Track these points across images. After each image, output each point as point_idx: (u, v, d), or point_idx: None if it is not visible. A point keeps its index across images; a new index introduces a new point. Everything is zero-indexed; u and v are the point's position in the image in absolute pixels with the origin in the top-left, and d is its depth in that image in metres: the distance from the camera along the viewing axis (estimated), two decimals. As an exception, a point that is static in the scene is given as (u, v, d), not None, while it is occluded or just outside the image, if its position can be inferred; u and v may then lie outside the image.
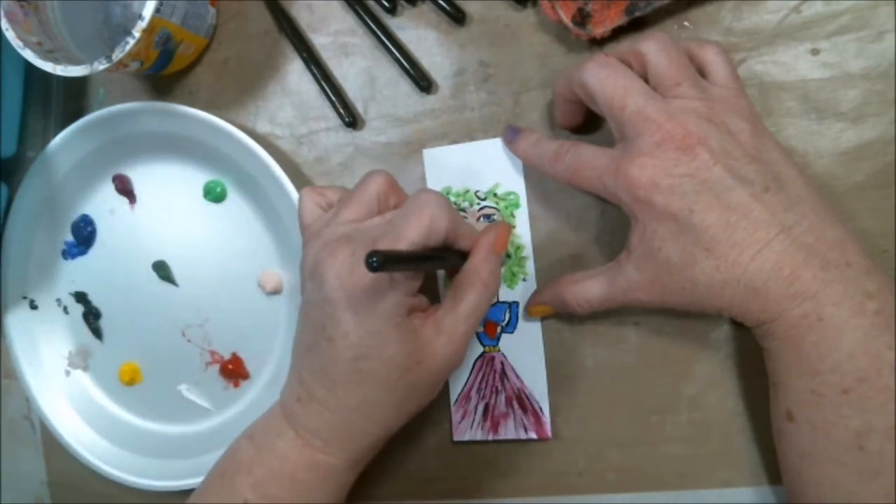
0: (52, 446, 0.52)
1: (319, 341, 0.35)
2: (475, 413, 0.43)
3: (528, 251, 0.42)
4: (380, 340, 0.33)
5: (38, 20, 0.44)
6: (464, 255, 0.37)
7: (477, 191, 0.42)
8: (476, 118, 0.43)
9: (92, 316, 0.51)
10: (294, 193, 0.43)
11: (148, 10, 0.40)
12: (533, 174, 0.42)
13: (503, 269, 0.42)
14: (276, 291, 0.47)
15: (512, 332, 0.42)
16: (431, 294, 0.38)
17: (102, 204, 0.50)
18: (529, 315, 0.41)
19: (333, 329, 0.34)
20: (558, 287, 0.38)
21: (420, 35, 0.44)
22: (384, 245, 0.33)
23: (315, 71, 0.45)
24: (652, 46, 0.34)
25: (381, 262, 0.28)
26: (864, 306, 0.30)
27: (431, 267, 0.35)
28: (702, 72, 0.35)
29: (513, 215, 0.42)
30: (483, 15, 0.42)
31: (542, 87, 0.41)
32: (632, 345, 0.40)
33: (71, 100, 0.51)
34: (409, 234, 0.33)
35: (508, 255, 0.42)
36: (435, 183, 0.43)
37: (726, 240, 0.31)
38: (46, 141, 0.49)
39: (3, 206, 0.50)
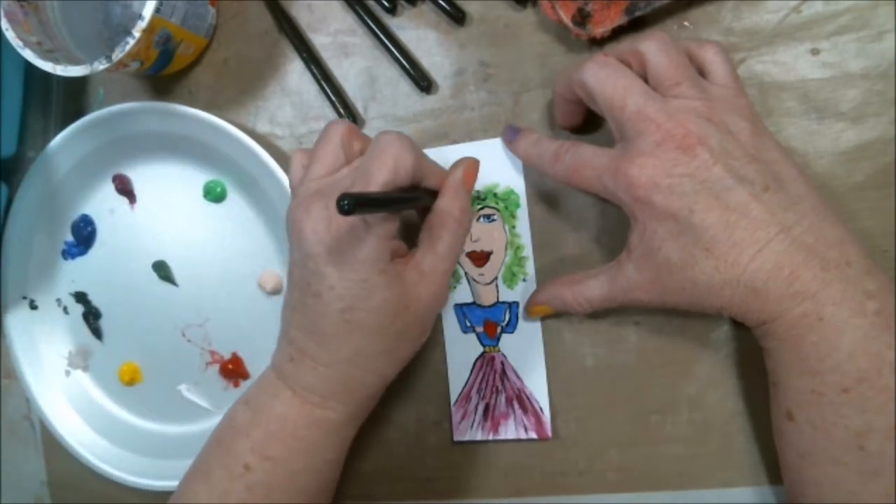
0: (52, 446, 0.52)
1: (306, 299, 0.35)
2: (475, 413, 0.43)
3: (528, 251, 0.42)
4: (366, 289, 0.33)
5: (38, 20, 0.44)
6: (434, 194, 0.37)
7: (477, 191, 0.42)
8: (476, 118, 0.43)
9: (92, 316, 0.51)
10: (294, 193, 0.43)
11: (148, 10, 0.40)
12: (533, 174, 0.42)
13: (503, 269, 0.42)
14: (276, 291, 0.47)
15: (512, 332, 0.42)
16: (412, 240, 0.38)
17: (102, 204, 0.50)
18: (529, 315, 0.41)
19: (319, 284, 0.34)
20: (558, 287, 0.38)
21: (420, 35, 0.44)
22: (355, 191, 0.33)
23: (315, 71, 0.45)
24: (652, 46, 0.34)
25: (352, 204, 0.29)
26: (863, 306, 0.30)
27: (403, 207, 0.35)
28: (702, 71, 0.35)
29: (513, 215, 0.42)
30: (483, 15, 0.42)
31: (542, 87, 0.41)
32: (632, 345, 0.40)
33: (71, 100, 0.51)
34: (377, 176, 0.33)
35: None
36: (435, 183, 0.43)
37: (726, 239, 0.31)
38: (46, 141, 0.49)
39: (3, 206, 0.50)
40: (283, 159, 0.45)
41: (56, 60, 0.42)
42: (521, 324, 0.42)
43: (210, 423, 0.49)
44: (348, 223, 0.33)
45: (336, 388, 0.36)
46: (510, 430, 0.42)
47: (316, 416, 0.36)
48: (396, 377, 0.40)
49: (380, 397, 0.38)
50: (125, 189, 0.50)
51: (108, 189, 0.50)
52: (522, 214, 0.42)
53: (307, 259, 0.34)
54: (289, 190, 0.43)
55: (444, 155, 0.43)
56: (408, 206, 0.35)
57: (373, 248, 0.33)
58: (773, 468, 0.38)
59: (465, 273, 0.43)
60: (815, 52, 0.38)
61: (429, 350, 0.44)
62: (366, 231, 0.33)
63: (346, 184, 0.34)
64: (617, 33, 0.39)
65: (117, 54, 0.40)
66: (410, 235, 0.38)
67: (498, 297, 0.42)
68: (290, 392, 0.36)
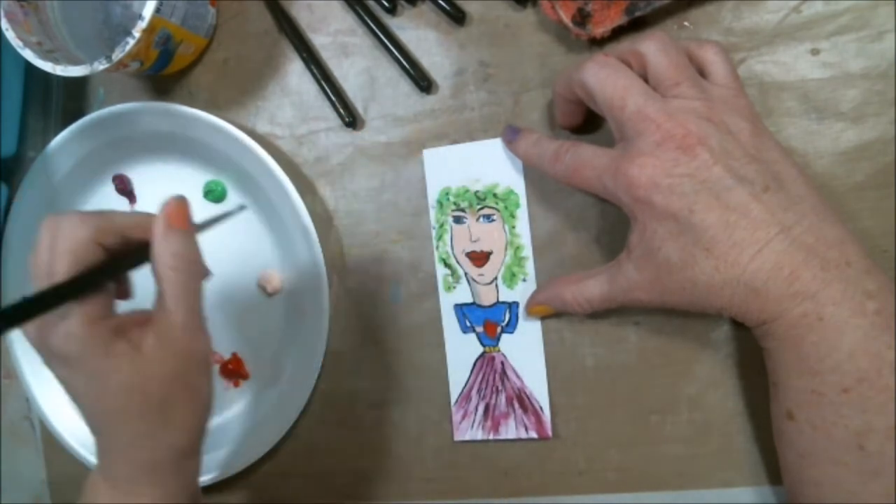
0: (52, 446, 0.52)
1: (74, 404, 0.35)
2: (475, 413, 0.43)
3: (528, 251, 0.42)
4: (99, 379, 0.32)
5: (38, 20, 0.44)
6: (146, 246, 0.34)
7: (477, 191, 0.42)
8: (476, 118, 0.43)
9: (92, 316, 0.51)
10: (294, 193, 0.43)
11: (148, 10, 0.40)
12: (533, 174, 0.42)
13: (503, 269, 0.42)
14: (276, 291, 0.47)
15: (512, 332, 0.42)
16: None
17: (102, 204, 0.50)
18: (529, 315, 0.41)
19: (69, 391, 0.34)
20: (558, 287, 0.38)
21: (420, 35, 0.44)
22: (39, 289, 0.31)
23: (315, 71, 0.45)
24: (651, 46, 0.34)
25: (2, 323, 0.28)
26: (863, 306, 0.30)
27: (100, 284, 0.32)
28: (702, 71, 0.35)
29: (513, 215, 0.42)
30: (483, 15, 0.42)
31: (542, 87, 0.41)
32: (632, 345, 0.40)
33: (71, 100, 0.51)
34: (58, 269, 0.31)
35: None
36: (435, 183, 0.43)
37: (726, 239, 0.31)
38: (46, 141, 0.49)
39: (3, 206, 0.50)
40: (283, 159, 0.45)
41: (56, 60, 0.42)
42: (521, 324, 0.42)
43: (210, 424, 0.49)
44: (36, 332, 0.32)
45: (135, 473, 0.34)
46: (510, 430, 0.42)
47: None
48: (396, 378, 0.39)
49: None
50: (125, 189, 0.50)
51: (108, 189, 0.50)
52: (522, 214, 0.42)
53: (49, 368, 0.34)
54: (289, 190, 0.44)
55: (444, 155, 0.43)
56: (108, 277, 0.33)
57: (82, 338, 0.31)
58: (773, 468, 0.38)
59: (465, 273, 0.43)
60: (815, 52, 0.38)
61: (429, 350, 0.44)
62: (63, 324, 0.31)
63: (38, 285, 0.32)
64: (617, 33, 0.39)
65: (117, 54, 0.40)
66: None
67: (498, 297, 0.42)
68: (106, 484, 0.35)
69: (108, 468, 0.35)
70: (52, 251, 0.32)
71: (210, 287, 0.48)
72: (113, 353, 0.32)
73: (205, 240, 0.48)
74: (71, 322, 0.31)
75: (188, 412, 0.35)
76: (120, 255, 0.33)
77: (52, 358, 0.33)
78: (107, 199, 0.50)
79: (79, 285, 0.32)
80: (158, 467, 0.35)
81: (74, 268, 0.31)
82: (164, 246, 0.33)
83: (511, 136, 0.40)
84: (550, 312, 0.40)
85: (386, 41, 0.44)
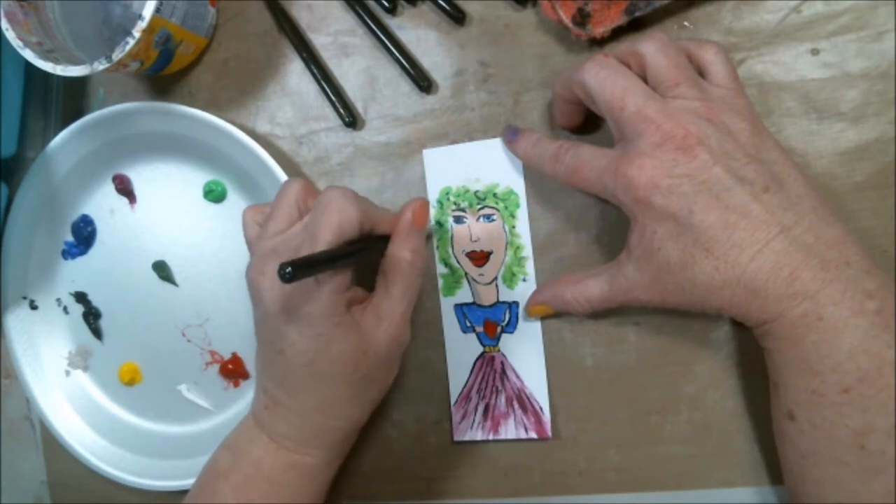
0: (52, 446, 0.52)
1: (272, 355, 0.36)
2: (475, 413, 0.43)
3: (528, 251, 0.42)
4: (324, 343, 0.35)
5: (38, 20, 0.44)
6: (386, 239, 0.38)
7: (477, 191, 0.43)
8: (476, 118, 0.43)
9: (92, 316, 0.51)
10: (294, 193, 0.43)
11: (148, 10, 0.40)
12: (533, 174, 0.42)
13: (503, 270, 0.42)
14: (276, 291, 0.47)
15: (512, 332, 0.42)
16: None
17: (102, 204, 0.50)
18: (529, 315, 0.41)
19: (281, 342, 0.35)
20: (558, 287, 0.38)
21: (420, 35, 0.44)
22: (304, 252, 0.34)
23: (315, 71, 0.45)
24: (651, 47, 0.34)
25: (292, 272, 0.29)
26: (863, 305, 0.30)
27: (351, 260, 0.35)
28: (701, 72, 0.35)
29: (513, 215, 0.42)
30: (483, 15, 0.42)
31: (542, 87, 0.41)
32: (632, 345, 0.40)
33: (71, 100, 0.51)
34: (323, 234, 0.34)
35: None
36: (435, 183, 0.43)
37: (726, 240, 0.31)
38: (46, 141, 0.49)
39: (3, 206, 0.50)
40: (283, 159, 0.45)
41: (56, 60, 0.42)
42: (521, 324, 0.42)
43: (210, 424, 0.49)
44: (298, 284, 0.34)
45: (308, 435, 0.37)
46: (510, 430, 0.42)
47: (291, 461, 0.37)
48: (396, 377, 0.40)
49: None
50: (125, 189, 0.50)
51: (108, 189, 0.50)
52: (522, 214, 0.42)
53: (268, 318, 0.36)
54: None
55: (444, 155, 0.43)
56: (358, 258, 0.36)
57: (326, 303, 0.34)
58: (773, 468, 0.38)
59: (465, 273, 0.43)
60: (815, 52, 0.38)
61: (429, 350, 0.44)
62: (318, 288, 0.34)
63: (297, 241, 0.35)
64: (617, 33, 0.39)
65: (117, 54, 0.40)
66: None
67: (498, 297, 0.42)
68: (266, 437, 0.38)
69: (278, 425, 0.37)
70: (320, 216, 0.34)
71: (210, 287, 0.48)
72: (343, 324, 0.35)
73: (205, 240, 0.48)
74: (325, 287, 0.34)
75: (377, 391, 0.39)
76: (361, 241, 0.36)
77: (286, 312, 0.35)
78: (107, 199, 0.50)
79: (348, 255, 0.34)
80: (332, 434, 0.38)
81: (338, 239, 0.34)
82: (406, 243, 0.37)
83: (511, 136, 0.40)
84: (550, 312, 0.40)
85: (386, 41, 0.44)
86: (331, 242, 0.34)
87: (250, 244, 0.39)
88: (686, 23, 0.39)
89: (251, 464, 0.37)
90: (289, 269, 0.29)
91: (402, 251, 0.37)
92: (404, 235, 0.38)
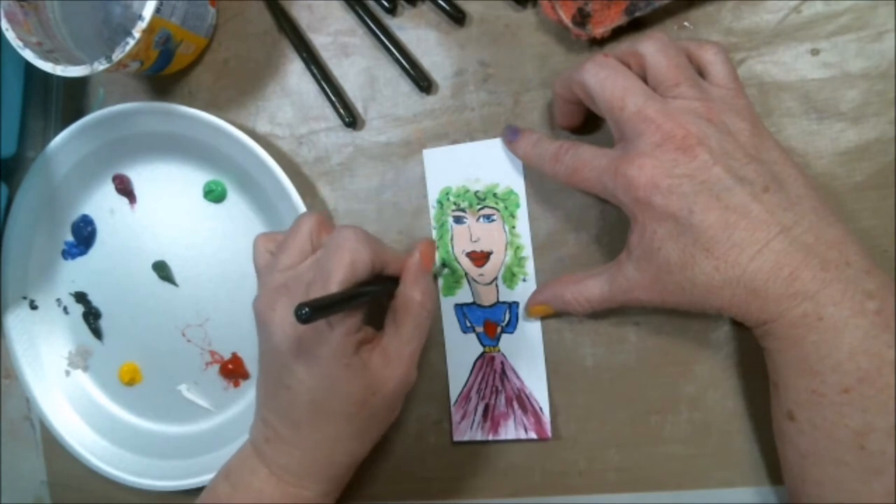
0: (52, 446, 0.52)
1: (278, 388, 0.36)
2: (475, 413, 0.43)
3: (528, 251, 0.42)
4: (332, 382, 0.35)
5: (38, 20, 0.44)
6: (396, 280, 0.38)
7: (477, 191, 0.43)
8: (476, 118, 0.43)
9: (92, 316, 0.51)
10: (294, 193, 0.43)
11: (148, 11, 0.40)
12: (533, 174, 0.42)
13: (503, 270, 0.42)
14: (276, 291, 0.47)
15: (512, 332, 0.42)
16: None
17: (102, 204, 0.50)
18: (529, 315, 0.41)
19: (288, 378, 0.35)
20: (558, 287, 0.38)
21: (420, 35, 0.44)
22: (316, 291, 0.34)
23: (315, 71, 0.45)
24: (651, 47, 0.34)
25: (310, 313, 0.30)
26: (863, 305, 0.30)
27: (365, 301, 0.36)
28: (701, 72, 0.35)
29: (513, 215, 0.42)
30: (483, 15, 0.42)
31: (542, 87, 0.41)
32: (632, 345, 0.40)
33: (71, 100, 0.51)
34: (336, 275, 0.34)
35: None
36: (435, 183, 0.43)
37: (726, 240, 0.31)
38: (46, 141, 0.49)
39: (3, 206, 0.50)
40: (283, 159, 0.45)
41: (56, 60, 0.42)
42: (521, 324, 0.42)
43: (210, 424, 0.49)
44: (320, 326, 0.34)
45: (309, 469, 0.37)
46: (510, 430, 0.42)
47: (290, 494, 0.37)
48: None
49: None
50: (125, 189, 0.50)
51: (108, 189, 0.50)
52: (522, 214, 0.42)
53: (276, 353, 0.35)
54: (289, 190, 0.44)
55: (444, 155, 0.43)
56: (367, 300, 0.36)
57: (336, 344, 0.34)
58: (773, 468, 0.38)
59: (465, 273, 0.43)
60: (815, 52, 0.38)
61: (429, 350, 0.44)
62: (329, 328, 0.34)
63: (308, 278, 0.35)
64: (617, 33, 0.39)
65: (117, 54, 0.40)
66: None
67: (498, 297, 0.42)
68: (266, 470, 0.38)
69: (279, 458, 0.37)
70: (333, 255, 0.34)
71: (210, 287, 0.48)
72: (352, 366, 0.35)
73: (205, 240, 0.48)
74: (337, 330, 0.34)
75: (380, 429, 0.39)
76: (371, 282, 0.36)
77: (295, 350, 0.35)
78: (107, 199, 0.50)
79: (361, 295, 0.35)
80: (333, 468, 0.38)
81: (351, 279, 0.34)
82: (416, 284, 0.37)
83: (511, 136, 0.40)
84: (551, 312, 0.40)
85: (386, 41, 0.44)
86: (343, 283, 0.34)
87: (259, 272, 0.39)
88: (686, 23, 0.39)
89: (251, 495, 0.37)
90: (306, 310, 0.29)
91: (412, 292, 0.37)
92: (413, 277, 0.38)
